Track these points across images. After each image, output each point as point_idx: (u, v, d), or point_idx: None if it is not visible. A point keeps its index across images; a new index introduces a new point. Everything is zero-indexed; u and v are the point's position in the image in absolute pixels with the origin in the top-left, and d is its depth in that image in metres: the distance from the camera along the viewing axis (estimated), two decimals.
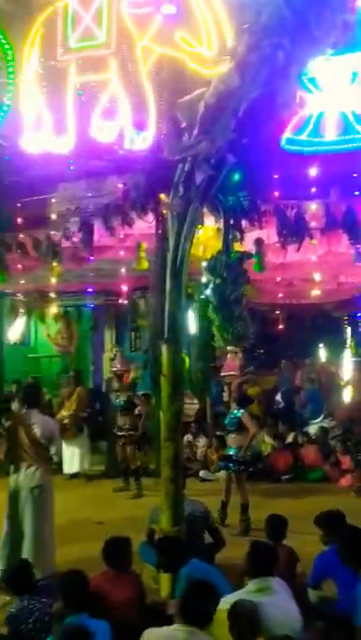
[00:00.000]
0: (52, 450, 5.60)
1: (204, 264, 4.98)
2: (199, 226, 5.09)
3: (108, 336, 13.26)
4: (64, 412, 9.97)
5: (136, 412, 9.40)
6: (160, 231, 5.09)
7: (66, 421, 9.64)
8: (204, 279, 5.08)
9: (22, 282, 7.82)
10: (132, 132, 5.09)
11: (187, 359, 5.13)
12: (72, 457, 9.83)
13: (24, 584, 3.80)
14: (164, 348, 4.85)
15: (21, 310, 12.16)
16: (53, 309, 10.60)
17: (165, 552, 4.33)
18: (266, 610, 3.51)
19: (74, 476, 9.88)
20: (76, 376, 10.62)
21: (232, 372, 8.64)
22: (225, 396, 9.52)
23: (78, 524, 7.12)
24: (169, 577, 4.66)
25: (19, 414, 5.90)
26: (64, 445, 9.68)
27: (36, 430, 5.45)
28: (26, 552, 5.31)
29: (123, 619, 3.78)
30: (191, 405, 10.38)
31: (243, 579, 4.15)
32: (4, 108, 5.51)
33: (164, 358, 4.86)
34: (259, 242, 5.41)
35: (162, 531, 4.81)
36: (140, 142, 5.07)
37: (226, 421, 7.49)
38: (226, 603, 3.71)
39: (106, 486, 9.46)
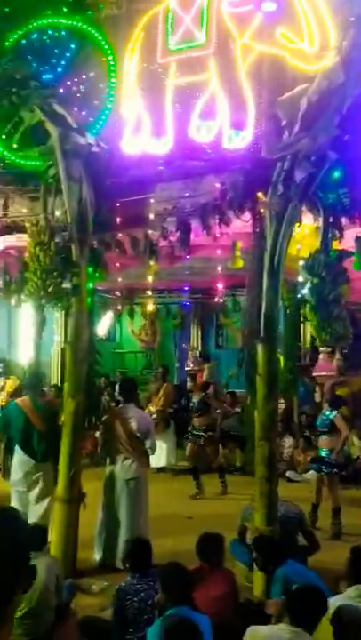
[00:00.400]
0: (148, 443, 5.73)
1: (301, 263, 4.92)
2: (297, 224, 5.03)
3: (194, 333, 13.38)
4: (152, 408, 10.17)
5: (213, 413, 9.24)
6: (257, 230, 5.08)
7: (154, 416, 9.84)
8: (300, 278, 5.02)
9: (119, 280, 8.03)
10: (230, 131, 5.13)
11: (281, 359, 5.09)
12: (159, 451, 10.00)
13: (139, 562, 3.94)
14: (259, 348, 4.85)
15: (111, 307, 12.52)
16: (149, 306, 10.74)
17: (261, 551, 4.32)
18: None
19: (160, 470, 10.06)
20: (164, 372, 10.79)
21: (325, 373, 8.47)
22: (316, 396, 9.31)
23: (168, 518, 7.23)
24: (262, 576, 4.66)
25: (116, 408, 6.08)
26: None
27: (133, 424, 5.60)
28: (122, 542, 5.47)
29: (217, 614, 3.81)
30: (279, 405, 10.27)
31: (338, 584, 4.08)
32: (106, 112, 5.71)
33: (259, 358, 4.86)
34: (360, 239, 5.27)
35: (256, 529, 4.81)
36: (239, 141, 5.09)
37: (318, 422, 7.34)
38: None
39: (192, 482, 9.56)
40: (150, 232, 5.61)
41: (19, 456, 5.61)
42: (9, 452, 5.90)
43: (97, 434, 7.25)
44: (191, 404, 9.36)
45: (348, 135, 4.72)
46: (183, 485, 9.39)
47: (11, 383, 10.66)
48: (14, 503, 5.82)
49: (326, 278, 4.78)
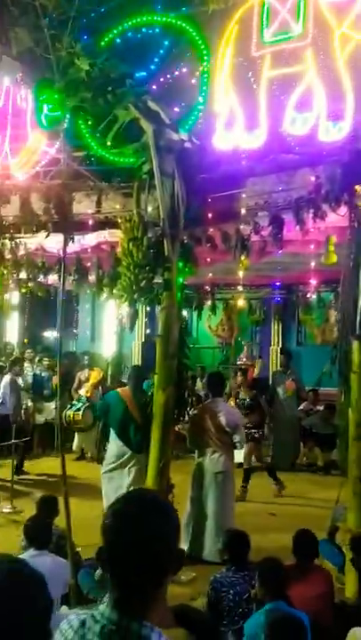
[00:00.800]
0: (237, 438, 5.74)
1: None
2: None
3: (275, 330, 13.22)
4: (232, 403, 10.17)
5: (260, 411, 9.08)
6: (354, 224, 4.94)
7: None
8: None
9: (209, 275, 8.07)
10: (327, 122, 5.01)
11: None
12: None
13: (237, 555, 3.97)
14: (355, 345, 4.73)
15: (193, 302, 12.59)
16: (240, 302, 10.70)
17: (359, 551, 4.23)
18: None
19: (239, 465, 10.06)
20: (245, 368, 10.76)
21: None
22: None
23: (251, 513, 7.24)
24: (355, 577, 4.57)
25: (205, 402, 6.13)
26: None
27: (222, 418, 5.63)
28: (209, 534, 5.52)
29: (315, 614, 3.77)
30: None
31: None
32: (199, 107, 5.73)
33: (354, 355, 4.75)
34: None
35: (349, 530, 4.71)
36: (336, 133, 4.97)
37: None
38: None
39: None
40: (242, 227, 5.58)
41: (115, 444, 5.76)
42: (105, 438, 6.08)
43: (177, 427, 7.36)
44: (239, 400, 9.23)
45: None
46: (263, 481, 9.36)
47: (95, 375, 10.99)
48: (104, 488, 6.00)
49: None
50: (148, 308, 11.49)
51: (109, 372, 12.09)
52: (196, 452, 5.85)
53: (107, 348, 13.79)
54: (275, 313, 12.81)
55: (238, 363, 9.52)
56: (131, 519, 1.38)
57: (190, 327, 16.44)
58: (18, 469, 8.69)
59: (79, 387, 10.56)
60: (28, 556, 3.79)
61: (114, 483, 5.82)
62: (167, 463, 5.56)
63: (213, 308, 11.15)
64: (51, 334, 16.08)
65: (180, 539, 1.50)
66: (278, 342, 13.01)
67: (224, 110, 5.56)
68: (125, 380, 11.50)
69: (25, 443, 8.98)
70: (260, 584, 3.42)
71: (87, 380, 10.83)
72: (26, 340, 14.56)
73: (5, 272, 6.87)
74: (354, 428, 4.74)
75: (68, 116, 5.67)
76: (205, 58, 5.66)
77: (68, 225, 5.20)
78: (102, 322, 14.55)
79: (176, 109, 5.76)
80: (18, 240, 6.33)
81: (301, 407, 10.68)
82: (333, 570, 5.00)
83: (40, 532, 4.07)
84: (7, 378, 9.26)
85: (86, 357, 11.33)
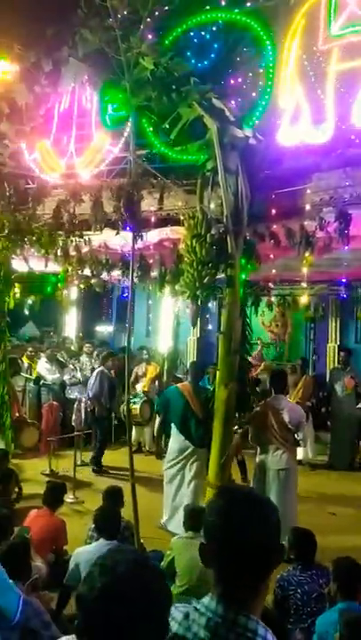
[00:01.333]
0: (300, 435, 5.72)
1: None
2: None
3: (332, 326, 13.00)
4: (290, 400, 10.10)
5: None
6: None
7: None
8: None
9: (273, 271, 8.04)
10: None
11: None
12: None
13: (304, 553, 3.97)
14: None
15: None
16: (303, 298, 10.59)
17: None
18: None
19: (298, 463, 9.99)
20: (303, 365, 10.65)
21: None
22: None
23: (311, 513, 7.17)
24: None
25: (267, 399, 6.13)
26: None
27: (285, 416, 5.61)
28: None
29: None
30: None
31: None
32: (263, 103, 5.71)
33: None
34: None
35: None
36: None
37: None
38: None
39: (331, 477, 9.39)
40: (306, 223, 5.53)
41: (176, 438, 5.84)
42: (164, 433, 6.17)
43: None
44: None
45: None
46: (321, 479, 9.27)
47: (152, 369, 11.13)
48: (165, 489, 6.08)
49: None
50: (208, 304, 11.48)
51: (165, 367, 12.19)
52: (258, 448, 5.85)
53: (162, 343, 13.90)
54: (333, 310, 12.60)
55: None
56: (240, 518, 1.42)
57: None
58: (95, 463, 9.03)
59: (136, 381, 10.71)
60: (100, 546, 3.90)
61: (175, 482, 5.90)
62: (229, 458, 5.59)
63: (270, 305, 11.06)
64: (105, 329, 16.37)
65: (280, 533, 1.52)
66: (336, 339, 12.79)
67: (289, 105, 5.52)
68: (180, 376, 11.59)
69: (86, 435, 9.21)
70: (334, 580, 3.41)
71: (144, 374, 10.97)
72: (81, 335, 14.87)
73: (70, 269, 7.04)
74: None
75: (132, 114, 5.75)
76: (270, 53, 5.62)
77: (137, 222, 5.28)
78: (158, 317, 14.68)
79: (241, 105, 5.75)
80: (86, 238, 6.48)
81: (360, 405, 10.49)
82: None
83: (110, 523, 4.19)
84: (98, 370, 9.51)
85: (145, 352, 11.45)
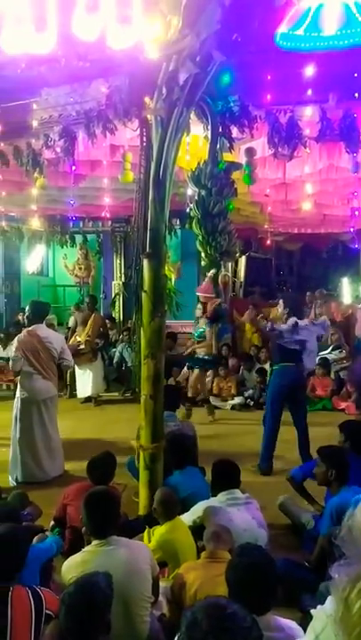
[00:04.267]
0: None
1: (188, 174, 4.68)
2: (186, 133, 4.75)
3: (117, 264, 13.07)
4: (79, 338, 9.94)
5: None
6: (144, 138, 4.77)
7: (82, 346, 9.63)
8: (189, 191, 4.80)
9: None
10: (116, 27, 4.68)
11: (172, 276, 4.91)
12: (87, 381, 9.91)
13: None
14: (145, 263, 4.65)
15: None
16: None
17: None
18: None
19: (87, 400, 10.01)
20: (91, 302, 10.50)
21: (207, 295, 8.47)
22: (197, 312, 9.00)
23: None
24: (147, 493, 4.69)
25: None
26: (78, 370, 9.76)
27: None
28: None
29: None
30: None
31: None
32: None
33: (145, 273, 4.67)
34: (250, 151, 5.04)
35: (141, 447, 4.77)
36: (125, 40, 4.67)
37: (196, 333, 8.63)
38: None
39: (117, 411, 9.56)
40: (34, 141, 5.19)
41: None
42: None
43: None
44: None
45: (237, 35, 4.41)
46: (111, 415, 9.38)
47: None
48: None
49: (212, 190, 4.57)
50: None
51: None
52: None
53: None
54: (113, 245, 12.66)
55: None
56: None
57: (46, 267, 15.98)
58: None
59: None
60: None
61: None
62: None
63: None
64: None
65: None
66: (121, 277, 12.94)
67: (10, 7, 4.99)
68: None
69: None
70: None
71: None
72: None
73: None
74: (146, 347, 4.73)
75: None
76: None
77: None
78: None
79: None
80: None
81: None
82: (136, 486, 5.06)
83: None
84: None
85: None
